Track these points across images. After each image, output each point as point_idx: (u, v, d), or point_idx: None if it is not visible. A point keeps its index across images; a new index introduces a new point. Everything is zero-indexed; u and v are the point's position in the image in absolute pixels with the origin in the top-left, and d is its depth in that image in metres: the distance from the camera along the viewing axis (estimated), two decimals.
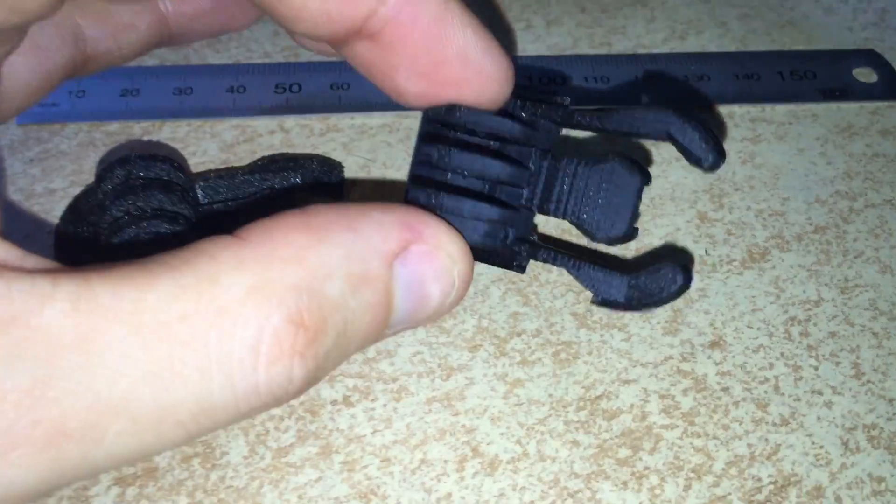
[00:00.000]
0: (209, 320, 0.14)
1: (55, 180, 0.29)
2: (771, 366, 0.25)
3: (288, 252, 0.14)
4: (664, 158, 0.30)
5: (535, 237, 0.20)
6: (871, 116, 0.32)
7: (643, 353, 0.25)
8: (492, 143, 0.19)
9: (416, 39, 0.18)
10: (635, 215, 0.19)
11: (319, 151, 0.30)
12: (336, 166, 0.28)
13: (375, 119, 0.31)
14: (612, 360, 0.25)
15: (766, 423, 0.23)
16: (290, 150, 0.30)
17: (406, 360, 0.24)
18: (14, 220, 0.28)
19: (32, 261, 0.14)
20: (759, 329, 0.25)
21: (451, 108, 0.19)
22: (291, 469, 0.22)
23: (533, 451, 0.23)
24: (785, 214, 0.29)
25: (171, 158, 0.26)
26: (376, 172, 0.30)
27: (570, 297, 0.26)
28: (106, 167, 0.25)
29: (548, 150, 0.20)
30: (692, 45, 0.35)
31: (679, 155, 0.31)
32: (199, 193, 0.26)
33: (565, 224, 0.28)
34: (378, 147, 0.30)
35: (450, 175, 0.19)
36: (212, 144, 0.30)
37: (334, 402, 0.24)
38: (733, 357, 0.25)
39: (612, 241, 0.20)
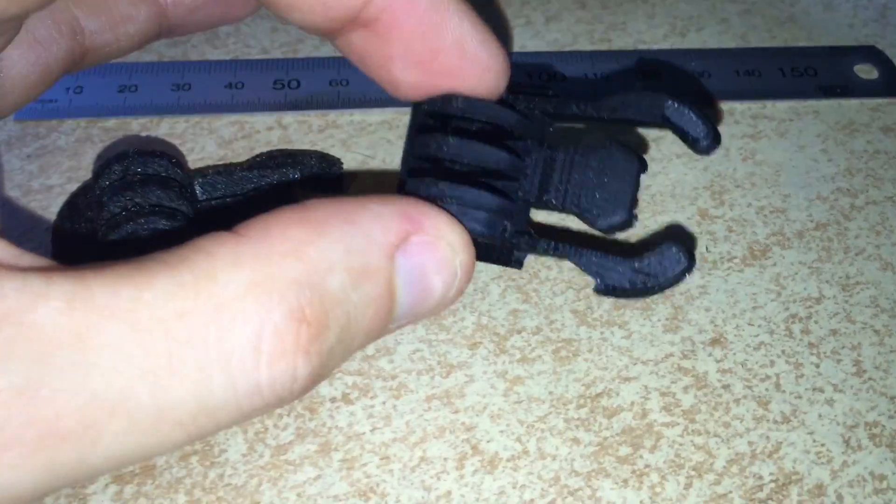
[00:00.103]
0: (208, 317, 0.13)
1: (52, 176, 0.29)
2: (772, 363, 0.24)
3: (287, 247, 0.14)
4: (664, 155, 0.30)
5: (533, 231, 0.20)
6: (873, 113, 0.32)
7: (644, 350, 0.25)
8: (489, 132, 0.19)
9: (412, 28, 0.18)
10: (634, 201, 0.19)
11: (318, 148, 0.30)
12: (335, 162, 0.28)
13: (374, 115, 0.31)
14: (612, 358, 0.24)
15: (768, 420, 0.23)
16: (289, 147, 0.30)
17: (405, 357, 0.24)
18: (11, 216, 0.28)
19: (28, 259, 0.13)
20: (760, 326, 0.25)
21: (448, 97, 0.19)
22: (290, 467, 0.22)
23: (533, 448, 0.22)
24: (786, 211, 0.29)
25: (168, 155, 0.26)
26: (375, 169, 0.29)
27: (571, 295, 0.26)
28: (103, 163, 0.25)
29: (543, 141, 0.20)
30: (693, 41, 0.35)
31: (680, 151, 0.31)
32: (198, 190, 0.26)
33: (563, 216, 0.28)
34: (377, 143, 0.30)
35: (447, 164, 0.19)
36: (210, 141, 0.30)
37: (333, 400, 0.23)
38: (734, 354, 0.25)
39: (612, 229, 0.19)
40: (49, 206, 0.28)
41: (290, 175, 0.27)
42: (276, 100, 0.31)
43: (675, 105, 0.18)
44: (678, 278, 0.19)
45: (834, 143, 0.31)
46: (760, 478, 0.22)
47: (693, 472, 0.22)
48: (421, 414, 0.23)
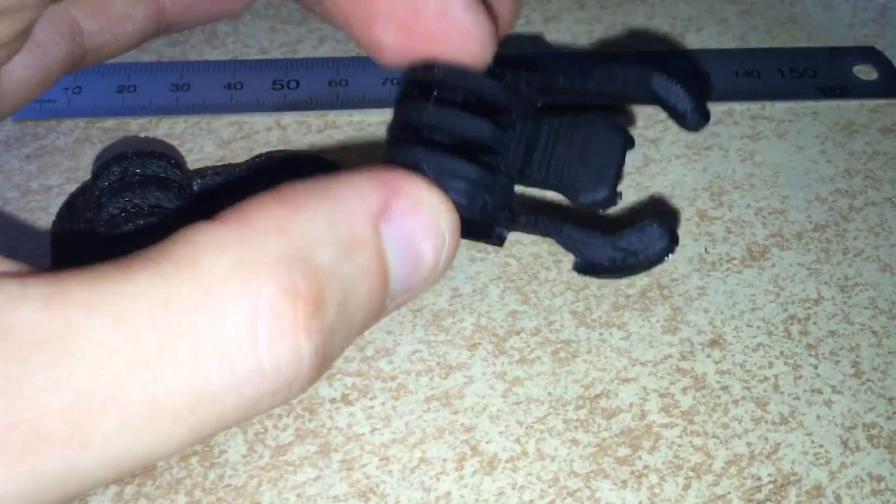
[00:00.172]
0: (195, 302, 0.13)
1: (51, 177, 0.29)
2: (770, 364, 0.24)
3: (268, 225, 0.14)
4: (663, 156, 0.30)
5: (515, 206, 0.19)
6: (872, 114, 0.32)
7: (642, 351, 0.25)
8: (472, 102, 0.18)
9: None
10: (618, 177, 0.18)
11: (317, 149, 0.30)
12: (331, 167, 0.28)
13: (374, 116, 0.31)
14: (611, 359, 0.24)
15: (766, 421, 0.23)
16: (288, 148, 0.30)
17: (405, 358, 0.24)
18: (10, 217, 0.28)
19: (3, 265, 0.13)
20: (758, 328, 0.25)
21: (430, 64, 0.19)
22: (290, 468, 0.22)
23: (532, 449, 0.22)
24: (785, 212, 0.29)
25: (167, 155, 0.26)
26: None
27: (570, 296, 0.26)
28: (102, 164, 0.25)
29: (528, 115, 0.19)
30: (692, 41, 0.35)
31: (679, 153, 0.31)
32: (196, 190, 0.26)
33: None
34: (376, 144, 0.30)
35: (426, 133, 0.18)
36: (209, 141, 0.30)
37: (333, 401, 0.23)
38: (733, 356, 0.25)
39: (594, 205, 0.18)
40: (48, 207, 0.28)
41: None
42: (275, 100, 0.31)
43: (664, 79, 0.18)
44: (659, 257, 0.18)
45: (833, 144, 0.31)
46: (759, 479, 0.22)
47: (692, 473, 0.22)
48: (420, 415, 0.23)
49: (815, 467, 0.22)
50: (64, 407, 0.12)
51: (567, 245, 0.19)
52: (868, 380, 0.24)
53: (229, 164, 0.28)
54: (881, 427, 0.23)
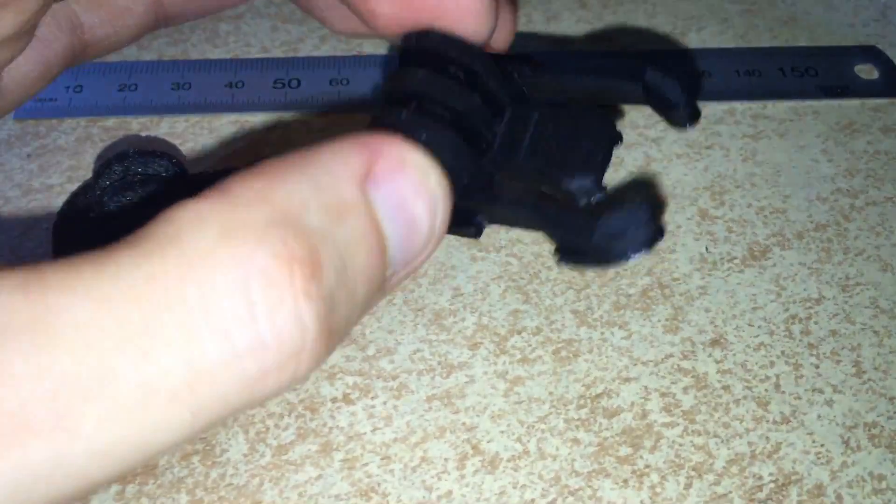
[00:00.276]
0: (181, 276, 0.12)
1: (52, 176, 0.29)
2: (772, 364, 0.24)
3: (251, 196, 0.13)
4: (665, 155, 0.30)
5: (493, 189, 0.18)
6: (873, 113, 0.32)
7: (644, 351, 0.25)
8: (464, 77, 0.18)
9: None
10: (606, 165, 0.18)
11: None
12: None
13: None
14: (612, 358, 0.24)
15: (767, 421, 0.23)
16: (289, 147, 0.30)
17: (406, 357, 0.24)
18: (11, 216, 0.28)
19: None
20: (759, 327, 0.25)
21: (425, 32, 0.18)
22: (291, 467, 0.22)
23: (533, 449, 0.22)
24: (786, 212, 0.29)
25: (169, 155, 0.26)
26: None
27: (571, 295, 0.26)
28: (104, 163, 0.25)
29: (517, 99, 0.19)
30: (693, 40, 0.35)
31: (680, 152, 0.31)
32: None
33: None
34: None
35: (414, 99, 0.18)
36: (210, 140, 0.30)
37: (334, 400, 0.23)
38: (734, 355, 0.25)
39: (579, 192, 0.18)
40: (49, 206, 0.28)
41: None
42: (276, 99, 0.31)
43: (657, 72, 0.18)
44: (648, 242, 0.17)
45: (834, 143, 0.31)
46: (760, 478, 0.22)
47: (693, 473, 0.22)
48: (422, 414, 0.23)
49: (817, 467, 0.22)
50: (47, 394, 0.11)
51: (549, 230, 0.18)
52: (869, 379, 0.24)
53: (230, 164, 0.28)
54: (882, 426, 0.23)
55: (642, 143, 0.30)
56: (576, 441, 0.23)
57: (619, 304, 0.26)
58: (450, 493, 0.22)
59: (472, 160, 0.18)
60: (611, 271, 0.27)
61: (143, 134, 0.30)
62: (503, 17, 0.20)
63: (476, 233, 0.18)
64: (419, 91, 0.18)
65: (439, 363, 0.24)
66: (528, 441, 0.23)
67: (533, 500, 0.22)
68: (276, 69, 0.32)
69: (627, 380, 0.24)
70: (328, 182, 0.14)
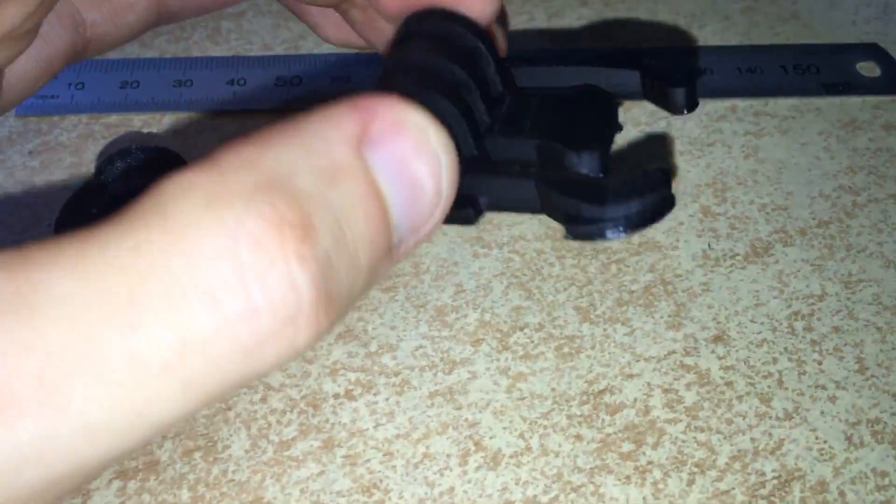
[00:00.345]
0: (167, 244, 0.11)
1: (55, 172, 0.29)
2: (774, 360, 0.24)
3: (238, 162, 0.12)
4: (667, 152, 0.30)
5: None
6: (875, 111, 0.32)
7: (646, 347, 0.25)
8: (466, 59, 0.18)
9: None
10: (610, 140, 0.17)
11: None
12: None
13: None
14: (615, 355, 0.24)
15: (770, 417, 0.23)
16: None
17: (408, 353, 0.24)
18: (13, 212, 0.28)
19: None
20: (762, 324, 0.25)
21: (428, 11, 0.18)
22: (293, 463, 0.22)
23: (536, 445, 0.22)
24: (788, 209, 0.29)
25: (171, 151, 0.26)
26: None
27: (573, 292, 0.26)
28: (106, 159, 0.25)
29: (515, 92, 0.18)
30: (695, 38, 0.35)
31: (682, 149, 0.31)
32: None
33: None
34: None
35: (414, 71, 0.17)
36: (212, 137, 0.30)
37: (336, 396, 0.23)
38: (737, 352, 0.25)
39: (586, 164, 0.17)
40: (51, 203, 0.28)
41: None
42: (277, 96, 0.31)
43: (655, 60, 0.17)
44: (661, 208, 0.16)
45: (836, 140, 0.31)
46: (763, 474, 0.22)
47: (695, 469, 0.22)
48: (424, 410, 0.23)
49: (820, 463, 0.22)
50: (33, 370, 0.11)
51: (553, 209, 0.17)
52: (872, 376, 0.24)
53: None
54: (885, 423, 0.23)
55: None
56: (578, 437, 0.23)
57: (622, 301, 0.26)
58: (452, 489, 0.22)
59: (473, 132, 0.17)
60: (612, 268, 0.27)
61: (145, 130, 0.30)
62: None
63: (474, 216, 0.17)
64: (420, 63, 0.17)
65: (441, 359, 0.24)
66: (531, 437, 0.23)
67: (535, 497, 0.21)
68: (277, 66, 0.32)
69: (630, 376, 0.24)
70: (320, 146, 0.13)
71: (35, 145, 0.30)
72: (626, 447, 0.22)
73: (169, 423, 0.12)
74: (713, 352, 0.25)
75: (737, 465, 0.22)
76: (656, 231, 0.28)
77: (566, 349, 0.25)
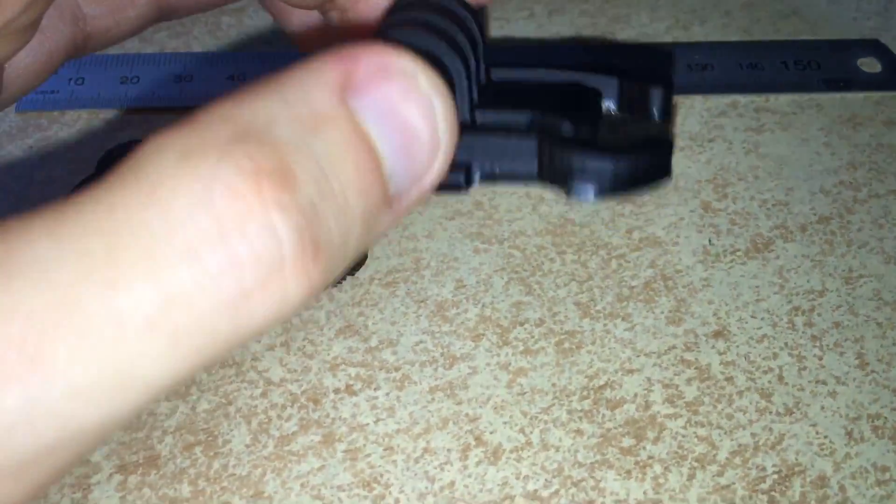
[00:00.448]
0: (142, 201, 0.11)
1: (55, 168, 0.29)
2: (775, 356, 0.24)
3: (213, 118, 0.12)
4: None
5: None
6: (876, 106, 0.32)
7: (647, 342, 0.25)
8: (458, 20, 0.17)
9: None
10: (598, 114, 0.17)
11: None
12: None
13: None
14: (615, 350, 0.24)
15: (771, 412, 0.23)
16: None
17: (409, 348, 0.24)
18: (13, 208, 0.28)
19: None
20: (762, 319, 0.25)
21: None
22: (294, 457, 0.22)
23: (536, 440, 0.22)
24: (789, 204, 0.29)
25: None
26: None
27: (574, 287, 0.26)
28: (106, 155, 0.25)
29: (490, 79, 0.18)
30: (696, 34, 0.35)
31: (683, 144, 0.31)
32: None
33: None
34: None
35: (407, 22, 0.16)
36: None
37: (337, 391, 0.23)
38: (737, 347, 0.25)
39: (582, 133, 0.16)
40: (51, 198, 0.28)
41: None
42: None
43: (633, 64, 0.17)
44: (664, 173, 0.15)
45: (837, 136, 0.31)
46: (763, 469, 0.22)
47: (696, 464, 0.22)
48: (424, 405, 0.23)
49: (820, 458, 0.22)
50: (15, 336, 0.10)
51: (551, 174, 0.16)
52: (872, 371, 0.24)
53: None
54: (886, 418, 0.23)
55: None
56: (579, 432, 0.23)
57: (622, 296, 0.26)
58: (452, 483, 0.22)
59: (470, 93, 0.16)
60: (613, 264, 0.27)
61: (145, 126, 0.30)
62: None
63: (465, 183, 0.16)
64: (417, 19, 0.17)
65: (442, 354, 0.24)
66: (531, 432, 0.23)
67: (536, 492, 0.22)
68: (278, 62, 0.32)
69: (630, 371, 0.24)
70: (300, 96, 0.12)
71: (35, 140, 0.30)
72: (627, 442, 0.22)
73: (162, 384, 0.12)
74: (713, 347, 0.25)
75: (737, 460, 0.22)
76: (657, 227, 0.28)
77: (567, 344, 0.25)
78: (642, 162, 0.15)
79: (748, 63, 0.33)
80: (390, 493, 0.21)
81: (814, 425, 0.23)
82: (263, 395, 0.23)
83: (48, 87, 0.31)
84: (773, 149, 0.30)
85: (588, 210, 0.28)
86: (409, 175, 0.14)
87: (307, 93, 0.12)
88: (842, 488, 0.22)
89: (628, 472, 0.22)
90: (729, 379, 0.24)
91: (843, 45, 0.34)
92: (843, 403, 0.23)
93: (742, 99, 0.32)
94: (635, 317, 0.25)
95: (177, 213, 0.11)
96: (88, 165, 0.28)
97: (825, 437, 0.23)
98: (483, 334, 0.25)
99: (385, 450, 0.22)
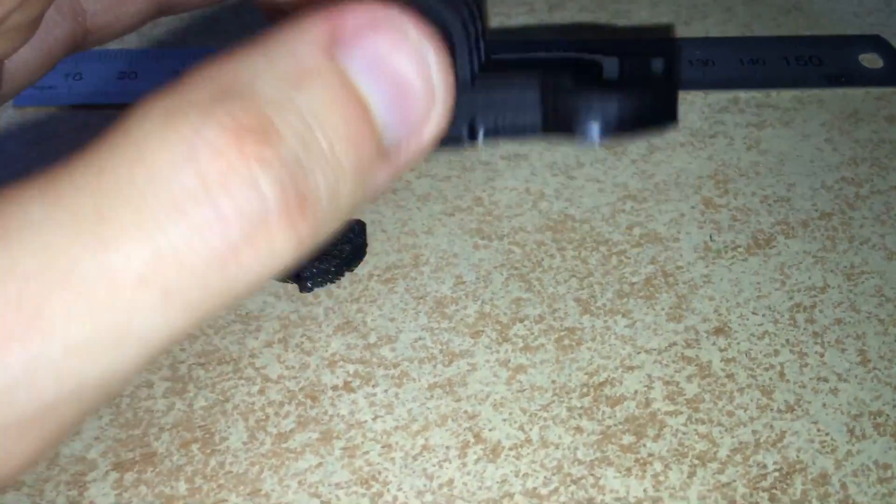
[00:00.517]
0: (129, 162, 0.12)
1: (52, 164, 0.29)
2: (776, 353, 0.24)
3: (198, 78, 0.12)
4: (668, 144, 0.30)
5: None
6: (877, 102, 0.32)
7: (647, 339, 0.24)
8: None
9: None
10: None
11: None
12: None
13: None
14: (615, 347, 0.24)
15: (772, 409, 0.23)
16: None
17: (407, 345, 0.24)
18: None
19: None
20: (764, 315, 0.25)
21: None
22: (291, 455, 0.22)
23: (536, 437, 0.22)
24: (790, 200, 0.28)
25: None
26: None
27: (574, 283, 0.26)
28: None
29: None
30: (697, 29, 0.35)
31: (684, 140, 0.31)
32: None
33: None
34: None
35: None
36: None
37: (335, 388, 0.23)
38: (738, 343, 0.24)
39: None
40: None
41: None
42: None
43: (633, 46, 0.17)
44: (672, 117, 0.15)
45: (839, 132, 0.31)
46: (764, 467, 0.22)
47: (696, 461, 0.22)
48: (423, 402, 0.23)
49: (821, 455, 0.22)
50: (14, 296, 0.11)
51: (564, 103, 0.16)
52: (874, 368, 0.24)
53: None
54: (888, 415, 0.23)
55: None
56: (578, 429, 0.22)
57: (623, 293, 0.26)
58: (451, 481, 0.21)
59: (471, 51, 0.16)
60: (613, 260, 0.26)
61: None
62: None
63: (466, 139, 0.16)
64: None
65: (441, 351, 0.24)
66: (531, 429, 0.22)
67: (535, 489, 0.21)
68: None
69: (631, 368, 0.24)
70: (285, 54, 0.12)
71: (33, 136, 0.30)
72: (627, 439, 0.22)
73: (159, 339, 0.12)
74: (714, 344, 0.24)
75: (738, 458, 0.22)
76: (657, 223, 0.28)
77: (566, 341, 0.24)
78: (647, 99, 0.15)
79: (749, 59, 0.33)
80: (388, 490, 0.21)
81: (815, 422, 0.23)
82: (261, 392, 0.23)
83: (46, 82, 0.31)
84: (774, 145, 0.30)
85: (588, 206, 0.28)
86: (404, 127, 0.14)
87: (293, 50, 0.13)
88: (843, 486, 0.22)
89: (628, 469, 0.22)
90: (730, 376, 0.24)
91: (844, 40, 0.34)
92: (845, 400, 0.23)
93: (743, 95, 0.32)
94: (636, 313, 0.25)
95: (163, 173, 0.11)
96: None
97: (827, 434, 0.23)
98: (482, 331, 0.25)
99: (383, 447, 0.22)
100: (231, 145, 0.12)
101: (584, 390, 0.23)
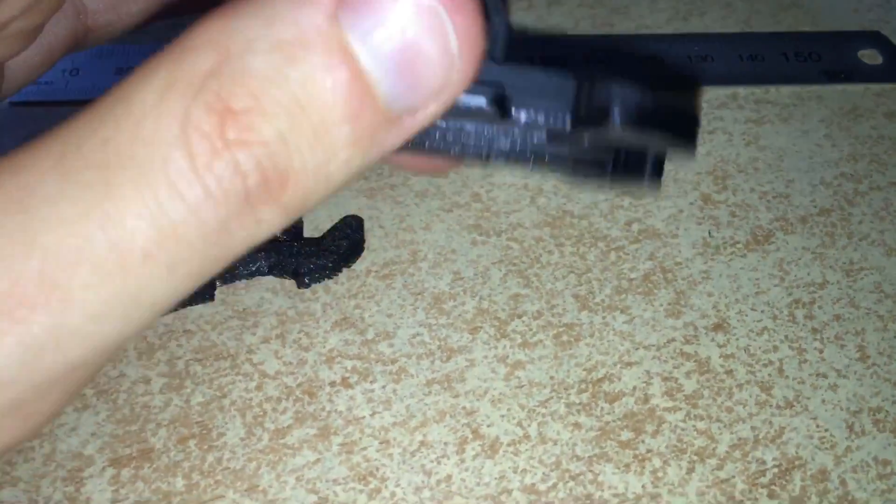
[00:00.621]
0: (130, 135, 0.12)
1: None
2: (775, 349, 0.24)
3: (199, 41, 0.12)
4: None
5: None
6: (877, 98, 0.32)
7: (646, 335, 0.24)
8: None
9: None
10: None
11: None
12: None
13: None
14: (614, 343, 0.24)
15: (771, 406, 0.23)
16: None
17: (405, 341, 0.24)
18: None
19: None
20: (763, 312, 0.25)
21: None
22: (289, 451, 0.22)
23: (534, 433, 0.22)
24: (789, 196, 0.28)
25: None
26: None
27: (572, 279, 0.26)
28: None
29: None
30: (696, 25, 0.35)
31: None
32: None
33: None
34: None
35: None
36: None
37: (333, 384, 0.23)
38: (737, 340, 0.24)
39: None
40: None
41: None
42: None
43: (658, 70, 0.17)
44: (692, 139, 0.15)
45: (838, 128, 0.31)
46: (763, 463, 0.22)
47: (695, 457, 0.22)
48: (421, 398, 0.23)
49: (821, 451, 0.22)
50: (35, 268, 0.12)
51: (598, 89, 0.15)
52: (874, 364, 0.24)
53: None
54: (887, 411, 0.23)
55: None
56: (577, 425, 0.22)
57: (621, 289, 0.26)
58: (449, 477, 0.21)
59: (507, 30, 0.15)
60: (612, 256, 0.26)
61: None
62: None
63: (500, 108, 0.15)
64: None
65: (439, 347, 0.24)
66: (529, 425, 0.22)
67: (533, 485, 0.21)
68: None
69: (629, 364, 0.24)
70: (289, 17, 0.12)
71: (29, 132, 0.29)
72: (626, 435, 0.22)
73: (165, 304, 0.13)
74: (713, 340, 0.24)
75: (737, 454, 0.22)
76: (656, 219, 0.28)
77: (565, 337, 0.24)
78: (670, 103, 0.15)
79: (748, 54, 0.33)
80: (386, 486, 0.21)
81: (814, 418, 0.23)
82: (258, 387, 0.23)
83: (43, 78, 0.30)
84: (773, 140, 0.30)
85: (586, 202, 0.28)
86: (414, 93, 0.13)
87: (295, 12, 0.13)
88: (842, 482, 0.21)
89: (627, 465, 0.22)
90: (729, 372, 0.24)
91: (843, 36, 0.34)
92: (844, 396, 0.23)
93: (742, 91, 0.32)
94: (634, 309, 0.25)
95: (159, 150, 0.12)
96: None
97: (826, 430, 0.23)
98: (480, 327, 0.25)
99: (381, 443, 0.22)
100: (215, 128, 0.12)
101: (583, 386, 0.23)
